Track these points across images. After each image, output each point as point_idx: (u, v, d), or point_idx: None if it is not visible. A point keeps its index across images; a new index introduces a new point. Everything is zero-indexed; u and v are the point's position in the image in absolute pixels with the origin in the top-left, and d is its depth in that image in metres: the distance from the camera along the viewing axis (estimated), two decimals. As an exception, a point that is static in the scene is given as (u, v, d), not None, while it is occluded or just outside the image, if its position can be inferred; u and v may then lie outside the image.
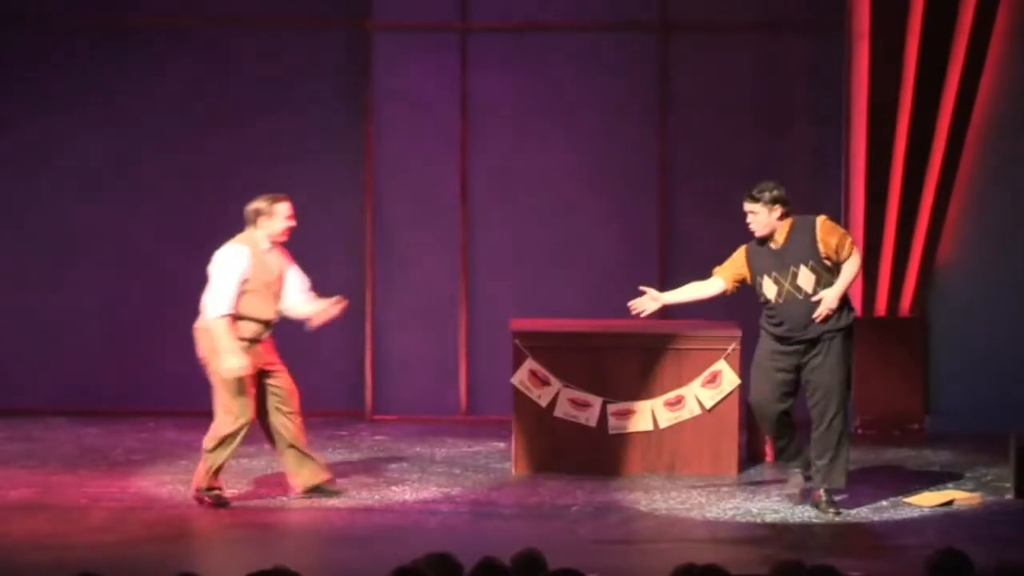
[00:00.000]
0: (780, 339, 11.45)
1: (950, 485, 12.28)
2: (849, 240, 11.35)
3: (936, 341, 14.37)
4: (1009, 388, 13.58)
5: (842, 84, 14.31)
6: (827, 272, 11.25)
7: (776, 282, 11.37)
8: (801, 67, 14.66)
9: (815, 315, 11.21)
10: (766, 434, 12.14)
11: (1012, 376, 13.61)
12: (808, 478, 11.61)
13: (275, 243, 12.15)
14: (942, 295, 14.36)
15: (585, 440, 12.58)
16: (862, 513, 11.75)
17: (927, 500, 11.95)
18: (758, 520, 11.55)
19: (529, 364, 12.67)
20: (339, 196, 14.73)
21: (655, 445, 12.62)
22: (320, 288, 14.58)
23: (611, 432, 12.63)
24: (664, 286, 14.12)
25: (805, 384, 11.46)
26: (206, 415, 13.82)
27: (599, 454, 12.60)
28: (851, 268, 11.29)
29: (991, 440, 13.01)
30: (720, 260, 13.83)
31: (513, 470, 12.70)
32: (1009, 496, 12.02)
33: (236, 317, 11.66)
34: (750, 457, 13.04)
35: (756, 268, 11.48)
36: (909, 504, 11.92)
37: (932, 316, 14.35)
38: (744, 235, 14.17)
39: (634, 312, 11.69)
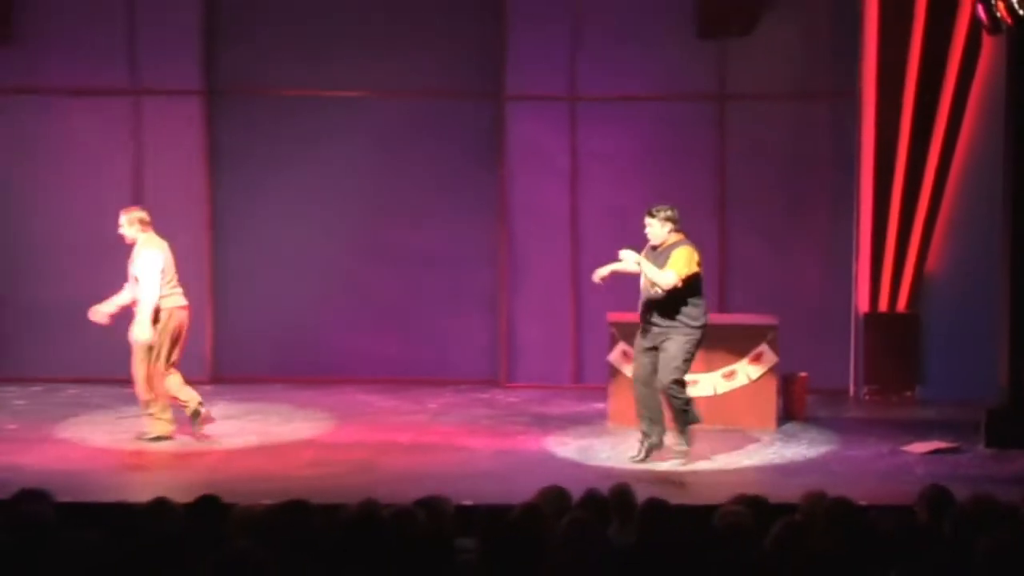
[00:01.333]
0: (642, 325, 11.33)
1: (935, 437, 12.22)
2: (679, 266, 11.05)
3: (925, 329, 14.27)
4: (981, 365, 13.40)
5: (855, 138, 14.27)
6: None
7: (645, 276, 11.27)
8: (824, 125, 14.59)
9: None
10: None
11: (983, 356, 13.48)
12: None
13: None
14: (930, 295, 14.25)
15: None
16: (868, 457, 11.79)
17: (918, 448, 11.94)
18: (789, 461, 11.61)
19: (621, 346, 12.73)
20: (481, 221, 14.74)
21: (715, 406, 12.53)
22: (468, 287, 14.81)
23: (682, 397, 12.77)
24: (723, 297, 14.40)
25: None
26: (383, 382, 14.13)
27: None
28: (664, 274, 11.04)
29: (967, 404, 12.98)
30: (767, 276, 14.04)
31: (609, 424, 12.74)
32: (980, 445, 11.99)
33: None
34: (785, 416, 12.98)
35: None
36: (904, 451, 11.92)
37: (922, 311, 14.25)
38: (793, 255, 14.36)
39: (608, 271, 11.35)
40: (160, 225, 14.50)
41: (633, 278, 11.35)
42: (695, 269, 11.22)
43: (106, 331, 14.58)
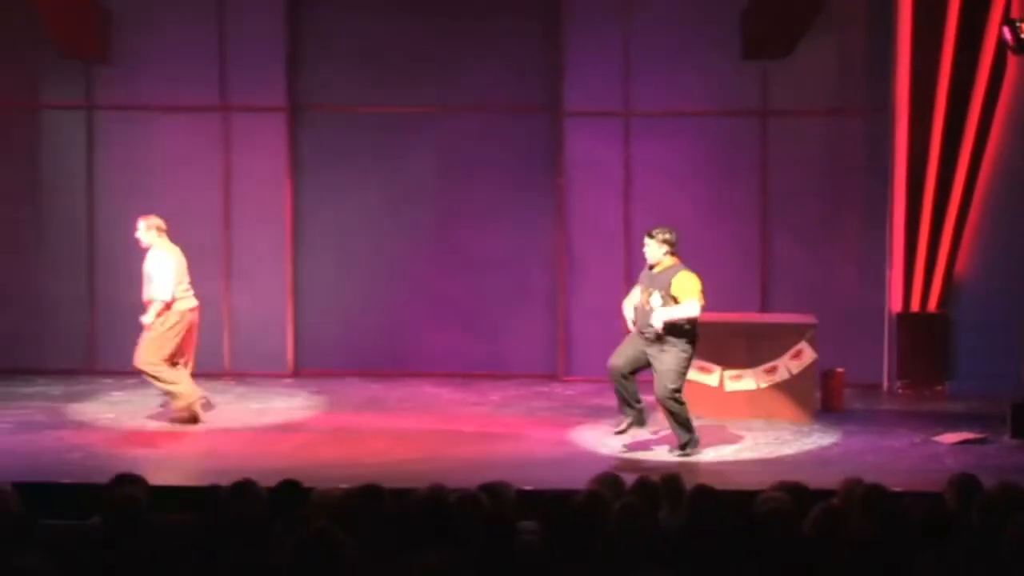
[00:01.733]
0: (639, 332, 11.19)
1: (964, 428, 12.12)
2: (691, 293, 10.99)
3: (954, 328, 14.12)
4: (1007, 361, 13.32)
5: (888, 150, 14.15)
6: (672, 302, 10.99)
7: (642, 293, 11.19)
8: (860, 138, 14.48)
9: (649, 323, 10.99)
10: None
11: (1009, 352, 13.41)
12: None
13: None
14: (959, 296, 14.12)
15: (709, 395, 12.51)
16: (901, 447, 11.74)
17: (947, 439, 11.86)
18: (827, 451, 11.57)
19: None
20: (540, 227, 14.69)
21: (757, 400, 12.57)
22: (528, 288, 14.80)
23: (727, 390, 12.63)
24: (765, 298, 14.41)
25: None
26: (449, 376, 14.16)
27: (719, 405, 12.52)
28: (684, 308, 10.94)
29: (994, 398, 12.80)
30: (806, 278, 14.00)
31: (658, 415, 12.65)
32: (1006, 436, 11.89)
33: None
34: (823, 409, 12.89)
35: (640, 280, 11.30)
36: (934, 442, 11.85)
37: (952, 310, 14.12)
38: (830, 259, 14.33)
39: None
40: (245, 231, 14.69)
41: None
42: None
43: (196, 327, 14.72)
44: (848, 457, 11.29)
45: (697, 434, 11.27)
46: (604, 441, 11.77)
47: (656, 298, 11.05)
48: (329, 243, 14.70)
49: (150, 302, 12.22)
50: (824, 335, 12.84)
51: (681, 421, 11.19)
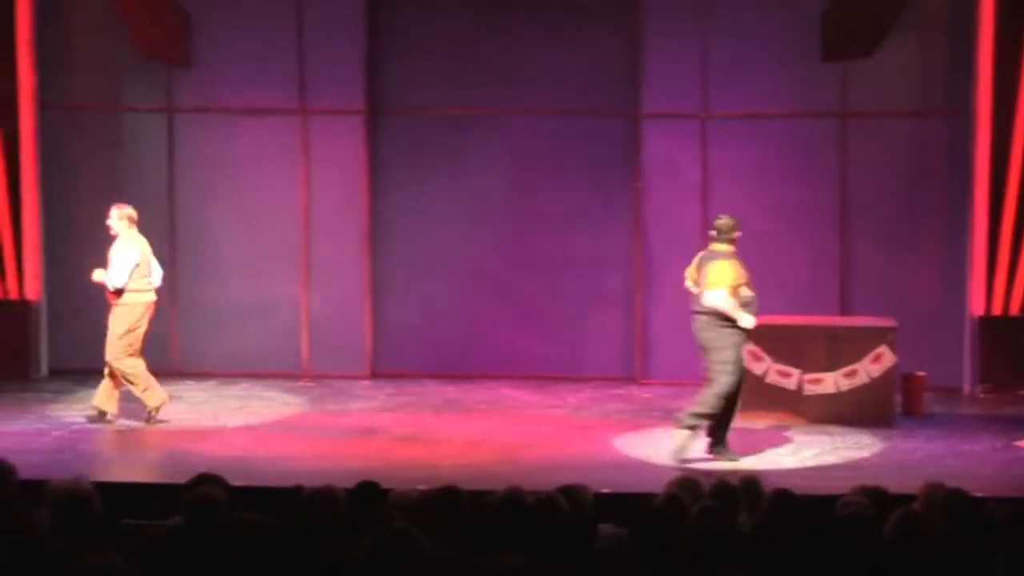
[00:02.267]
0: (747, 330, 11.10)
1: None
2: (712, 279, 11.01)
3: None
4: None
5: (970, 152, 14.04)
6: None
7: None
8: (941, 140, 14.37)
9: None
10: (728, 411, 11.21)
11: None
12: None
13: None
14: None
15: (788, 398, 12.49)
16: (982, 451, 11.64)
17: (1030, 444, 11.79)
18: (908, 455, 11.49)
19: (748, 347, 12.59)
20: (617, 228, 14.66)
21: (836, 403, 12.46)
22: (605, 289, 14.78)
23: (806, 393, 12.54)
24: (844, 301, 14.34)
25: None
26: (526, 378, 14.15)
27: (798, 408, 12.48)
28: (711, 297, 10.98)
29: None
30: (886, 281, 13.88)
31: (739, 418, 12.66)
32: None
33: None
34: (903, 412, 12.80)
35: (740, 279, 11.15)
36: (1016, 446, 11.74)
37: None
38: (911, 262, 14.21)
39: None
40: (323, 233, 14.77)
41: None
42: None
43: (273, 331, 14.83)
44: (929, 461, 11.20)
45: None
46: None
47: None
48: (407, 245, 14.74)
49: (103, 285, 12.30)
50: (904, 338, 12.75)
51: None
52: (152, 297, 12.36)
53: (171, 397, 12.58)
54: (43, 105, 14.53)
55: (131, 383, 12.18)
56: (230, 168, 14.77)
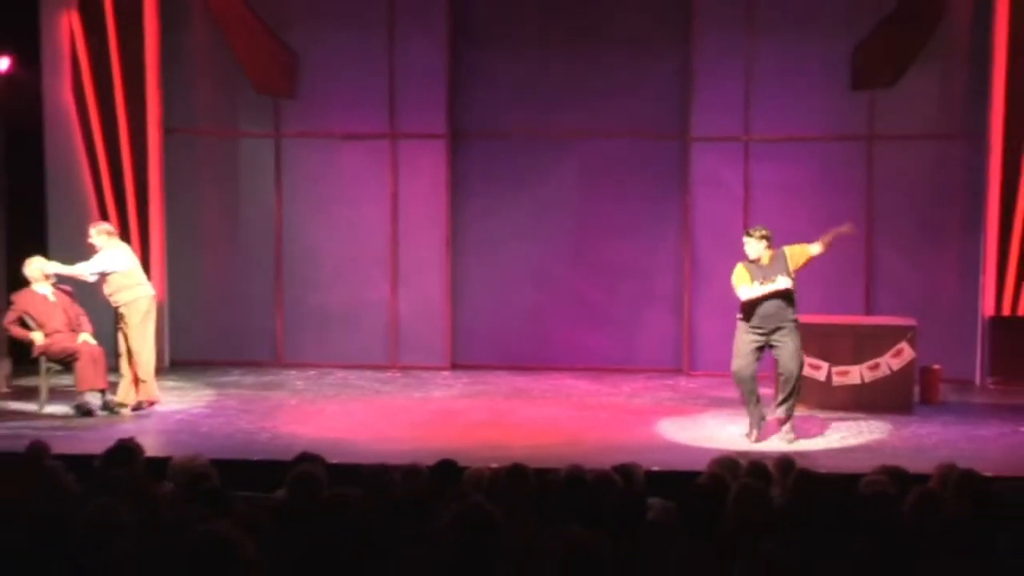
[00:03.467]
0: (753, 326, 11.08)
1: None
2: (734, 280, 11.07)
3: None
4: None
5: (984, 171, 13.90)
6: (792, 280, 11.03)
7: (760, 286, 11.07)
8: (958, 161, 14.21)
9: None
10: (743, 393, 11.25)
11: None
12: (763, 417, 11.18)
13: None
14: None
15: (818, 388, 12.37)
16: (992, 436, 11.52)
17: (1036, 430, 11.69)
18: (925, 439, 11.39)
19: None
20: (669, 237, 14.61)
21: (861, 393, 12.38)
22: (657, 291, 14.72)
23: (834, 384, 12.45)
24: (869, 302, 14.25)
25: (775, 356, 11.11)
26: (587, 370, 14.10)
27: (827, 398, 12.39)
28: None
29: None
30: (907, 285, 13.73)
31: (774, 407, 12.60)
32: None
33: None
34: (921, 401, 12.71)
35: (752, 275, 11.14)
36: (1022, 432, 11.65)
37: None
38: (929, 268, 14.07)
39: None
40: (409, 242, 14.84)
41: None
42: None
43: (365, 328, 14.90)
44: (943, 445, 11.11)
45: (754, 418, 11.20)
46: (725, 428, 11.75)
47: (781, 282, 11.08)
48: (482, 252, 14.75)
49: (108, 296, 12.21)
50: (922, 335, 12.65)
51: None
52: (140, 293, 12.26)
53: (269, 386, 12.67)
54: (168, 131, 14.68)
55: (131, 371, 12.15)
56: (329, 185, 14.85)
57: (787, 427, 11.19)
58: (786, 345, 11.08)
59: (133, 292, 12.20)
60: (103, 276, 12.20)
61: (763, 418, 11.24)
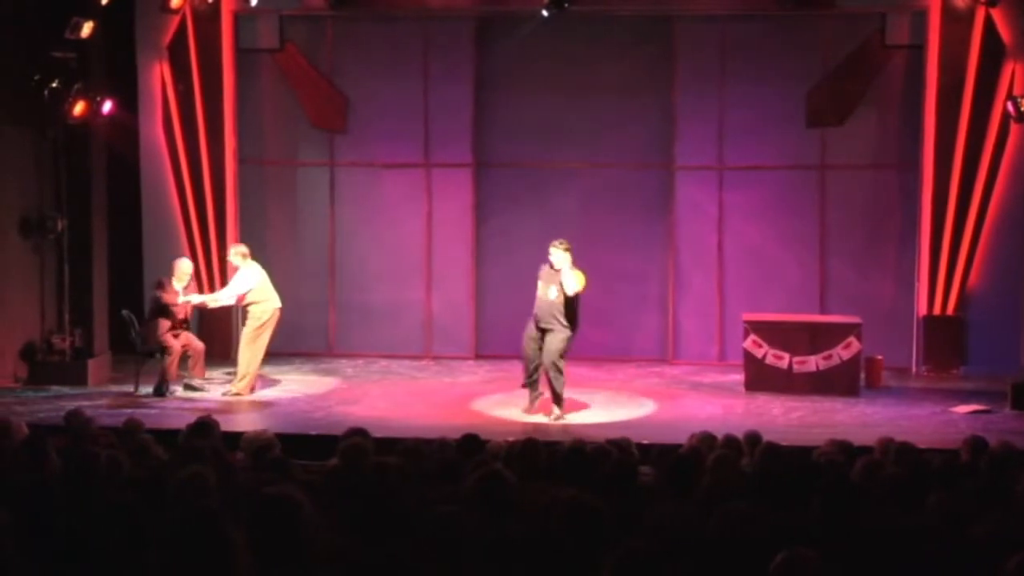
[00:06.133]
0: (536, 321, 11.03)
1: (974, 402, 11.87)
2: (572, 286, 10.87)
3: (967, 327, 13.74)
4: (1009, 351, 13.11)
5: (918, 195, 13.88)
6: (562, 293, 10.90)
7: (544, 288, 11.02)
8: (896, 187, 14.17)
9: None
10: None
11: (1010, 345, 13.17)
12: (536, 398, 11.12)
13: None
14: (971, 302, 13.76)
15: (781, 375, 12.40)
16: (925, 415, 11.48)
17: (961, 409, 11.63)
18: (870, 417, 11.33)
19: (752, 336, 12.55)
20: (656, 251, 14.54)
21: (817, 380, 12.35)
22: (647, 294, 14.66)
23: (794, 372, 12.44)
24: (823, 304, 14.16)
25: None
26: (588, 359, 14.03)
27: (788, 383, 12.38)
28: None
29: (998, 378, 12.55)
30: (854, 290, 13.69)
31: (745, 391, 12.56)
32: (1007, 408, 11.65)
33: None
34: (866, 386, 12.65)
35: (541, 278, 11.11)
36: (951, 411, 11.62)
37: (965, 314, 13.75)
38: (873, 276, 14.02)
39: None
40: (439, 253, 14.76)
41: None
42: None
43: (404, 323, 14.87)
44: (885, 422, 11.08)
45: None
46: (704, 408, 11.73)
47: (554, 291, 11.02)
48: (501, 261, 14.69)
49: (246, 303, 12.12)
50: (867, 331, 12.63)
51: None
52: (277, 303, 12.20)
53: (323, 372, 12.64)
54: (241, 161, 14.71)
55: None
56: (374, 206, 14.85)
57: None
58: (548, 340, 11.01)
59: (262, 307, 12.13)
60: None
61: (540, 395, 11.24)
